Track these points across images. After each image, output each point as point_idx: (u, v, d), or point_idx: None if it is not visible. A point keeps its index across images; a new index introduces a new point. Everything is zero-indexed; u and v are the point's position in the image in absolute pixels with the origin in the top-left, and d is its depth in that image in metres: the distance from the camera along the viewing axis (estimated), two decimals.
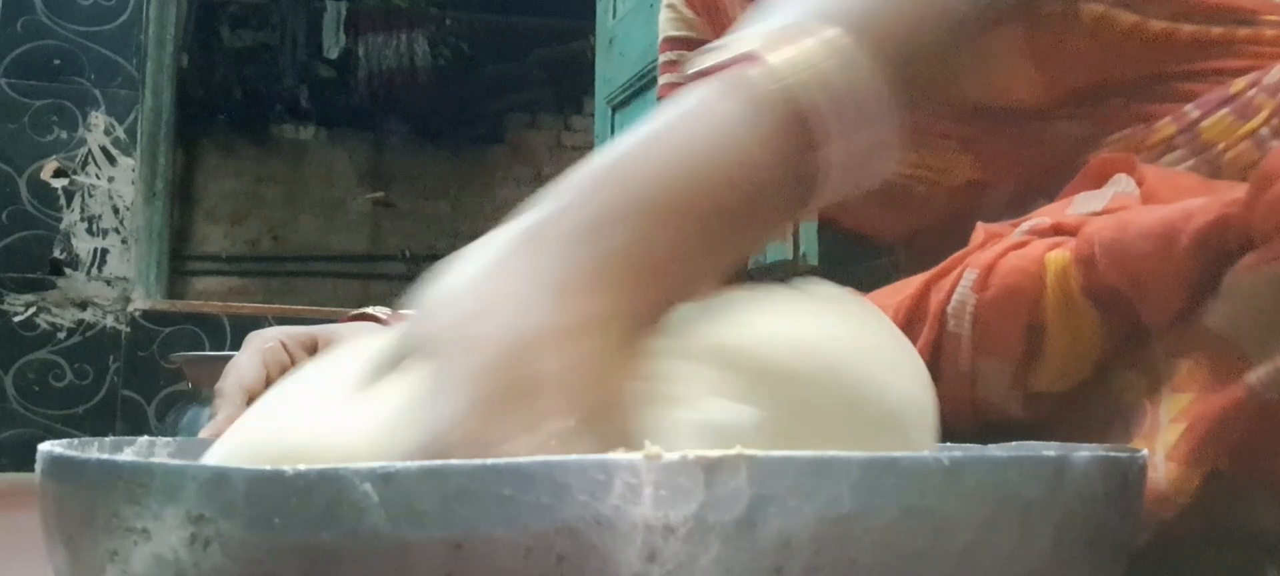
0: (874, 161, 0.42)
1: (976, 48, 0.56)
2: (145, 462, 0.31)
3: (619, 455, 0.27)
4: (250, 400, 0.58)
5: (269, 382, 0.59)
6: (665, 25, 0.87)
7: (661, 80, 0.87)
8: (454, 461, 0.25)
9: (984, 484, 0.31)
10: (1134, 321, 0.47)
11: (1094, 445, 0.37)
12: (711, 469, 0.27)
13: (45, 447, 0.36)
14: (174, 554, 0.29)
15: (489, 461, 0.25)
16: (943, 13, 0.48)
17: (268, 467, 0.27)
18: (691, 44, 0.84)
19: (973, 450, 0.41)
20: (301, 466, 0.26)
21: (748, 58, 0.41)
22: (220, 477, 0.28)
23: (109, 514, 0.31)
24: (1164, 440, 0.43)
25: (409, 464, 0.25)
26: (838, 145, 0.40)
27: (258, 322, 2.77)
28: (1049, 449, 0.41)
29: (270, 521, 0.26)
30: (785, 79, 0.40)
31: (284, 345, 0.60)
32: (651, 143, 0.39)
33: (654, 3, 2.37)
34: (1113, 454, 0.35)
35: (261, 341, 0.60)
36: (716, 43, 0.43)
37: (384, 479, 0.25)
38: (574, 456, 0.27)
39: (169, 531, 0.29)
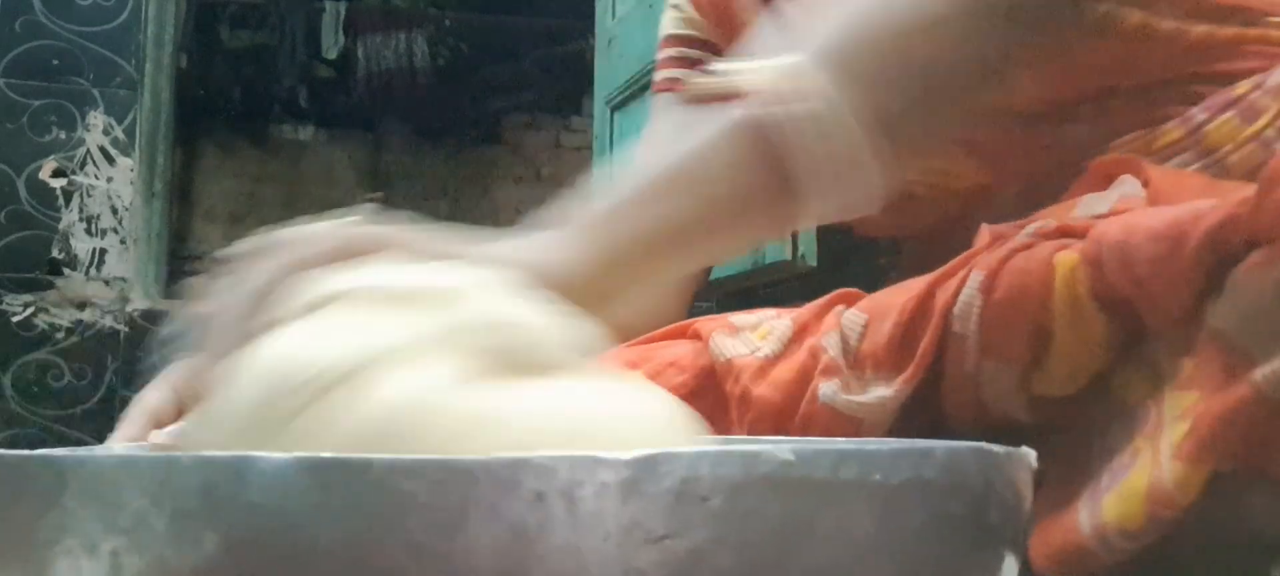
0: (853, 200, 0.52)
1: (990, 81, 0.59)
2: (57, 456, 0.31)
3: (523, 454, 0.27)
4: (156, 425, 0.57)
5: (180, 407, 0.58)
6: (668, 24, 0.89)
7: (659, 75, 0.89)
8: (357, 456, 0.25)
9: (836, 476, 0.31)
10: (1140, 324, 0.47)
11: (974, 443, 0.37)
12: (639, 466, 0.27)
13: None
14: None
15: (398, 458, 0.25)
16: (936, 60, 0.54)
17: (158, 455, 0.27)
18: (696, 43, 0.86)
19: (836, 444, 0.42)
20: (209, 453, 0.26)
21: (741, 96, 0.52)
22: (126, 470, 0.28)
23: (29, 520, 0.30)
24: (1168, 438, 0.43)
25: (317, 455, 0.25)
26: (814, 187, 0.51)
27: None
28: (915, 444, 0.41)
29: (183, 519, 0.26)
30: (771, 126, 0.50)
31: (191, 372, 0.61)
32: (656, 177, 0.53)
33: (653, 3, 2.37)
34: (984, 448, 0.35)
35: (167, 375, 0.60)
36: (720, 65, 0.54)
37: (280, 470, 0.25)
38: (481, 456, 0.27)
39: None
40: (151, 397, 0.57)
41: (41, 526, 0.29)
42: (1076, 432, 0.49)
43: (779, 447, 0.29)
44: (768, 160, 0.51)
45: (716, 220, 0.53)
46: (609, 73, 2.61)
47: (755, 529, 0.28)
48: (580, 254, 0.51)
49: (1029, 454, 0.37)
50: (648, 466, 0.27)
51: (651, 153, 0.83)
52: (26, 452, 0.30)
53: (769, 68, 0.52)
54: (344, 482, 0.26)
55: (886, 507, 0.31)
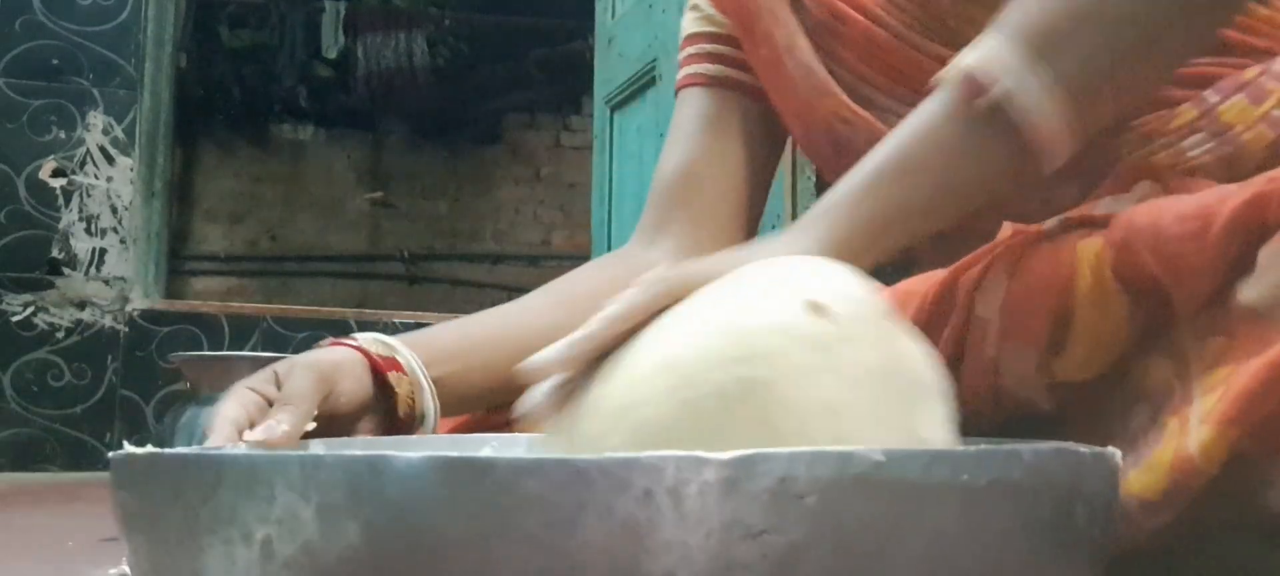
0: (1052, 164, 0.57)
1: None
2: (215, 454, 0.33)
3: (633, 455, 0.27)
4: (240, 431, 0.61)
5: (251, 421, 0.62)
6: (689, 24, 0.91)
7: (683, 72, 0.90)
8: (481, 456, 0.26)
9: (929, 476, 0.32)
10: (1163, 308, 0.47)
11: (1058, 443, 0.37)
12: (738, 465, 0.28)
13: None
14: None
15: (519, 458, 0.27)
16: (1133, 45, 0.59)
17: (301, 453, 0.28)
18: (718, 38, 0.88)
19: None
20: (350, 453, 0.27)
21: (974, 84, 0.56)
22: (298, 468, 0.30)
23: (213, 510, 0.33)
24: (1199, 409, 0.43)
25: (446, 455, 0.26)
26: (1052, 151, 0.56)
27: (256, 322, 2.77)
28: (1007, 444, 0.41)
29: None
30: (1005, 107, 0.56)
31: (253, 389, 0.64)
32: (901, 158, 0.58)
33: (653, 3, 2.37)
34: (1075, 450, 0.36)
35: (234, 393, 0.64)
36: (955, 64, 0.58)
37: (413, 469, 0.26)
38: (595, 457, 0.28)
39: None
40: (229, 410, 0.61)
41: (201, 516, 0.31)
42: (1095, 420, 0.50)
43: (871, 449, 0.31)
44: (1008, 131, 0.56)
45: (958, 192, 0.58)
46: (609, 73, 2.61)
47: (849, 526, 0.30)
48: (824, 242, 0.55)
49: (1114, 454, 0.38)
50: (747, 465, 0.29)
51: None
52: (187, 450, 0.33)
53: (990, 56, 0.57)
54: (470, 480, 0.28)
55: (974, 508, 0.32)
